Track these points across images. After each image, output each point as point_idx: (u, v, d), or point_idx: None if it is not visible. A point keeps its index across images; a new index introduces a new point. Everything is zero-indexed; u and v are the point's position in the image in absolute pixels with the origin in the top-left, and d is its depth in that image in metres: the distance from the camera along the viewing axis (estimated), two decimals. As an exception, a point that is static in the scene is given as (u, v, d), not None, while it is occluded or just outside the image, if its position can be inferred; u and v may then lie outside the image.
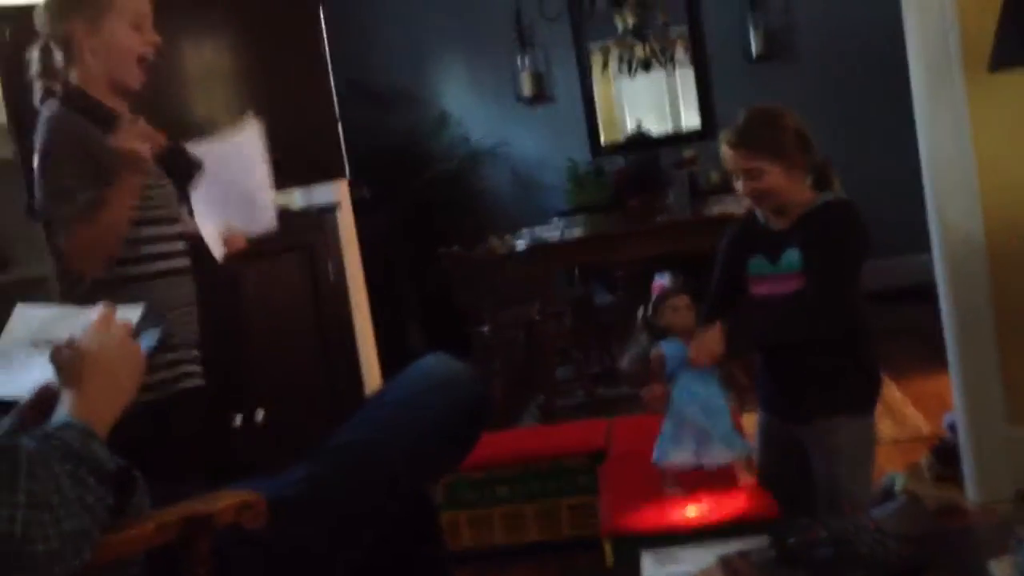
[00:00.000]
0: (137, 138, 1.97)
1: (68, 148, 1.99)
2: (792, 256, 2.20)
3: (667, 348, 2.19)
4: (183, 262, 2.17)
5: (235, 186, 2.23)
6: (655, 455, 2.21)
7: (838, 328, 2.19)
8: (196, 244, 2.22)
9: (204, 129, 2.67)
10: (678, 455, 2.17)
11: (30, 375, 1.50)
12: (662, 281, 2.25)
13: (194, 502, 1.41)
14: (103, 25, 2.06)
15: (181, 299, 2.14)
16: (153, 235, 2.11)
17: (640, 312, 2.27)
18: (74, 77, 2.09)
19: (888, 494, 2.92)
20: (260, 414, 2.39)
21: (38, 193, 2.02)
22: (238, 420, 2.38)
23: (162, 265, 2.11)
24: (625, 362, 2.33)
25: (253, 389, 2.43)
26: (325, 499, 1.65)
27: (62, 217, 1.96)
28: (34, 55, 2.10)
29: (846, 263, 2.19)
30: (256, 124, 2.20)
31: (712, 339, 2.13)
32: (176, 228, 2.18)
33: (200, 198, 2.19)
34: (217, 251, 2.26)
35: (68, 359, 1.41)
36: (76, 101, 2.05)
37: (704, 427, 2.14)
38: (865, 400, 2.29)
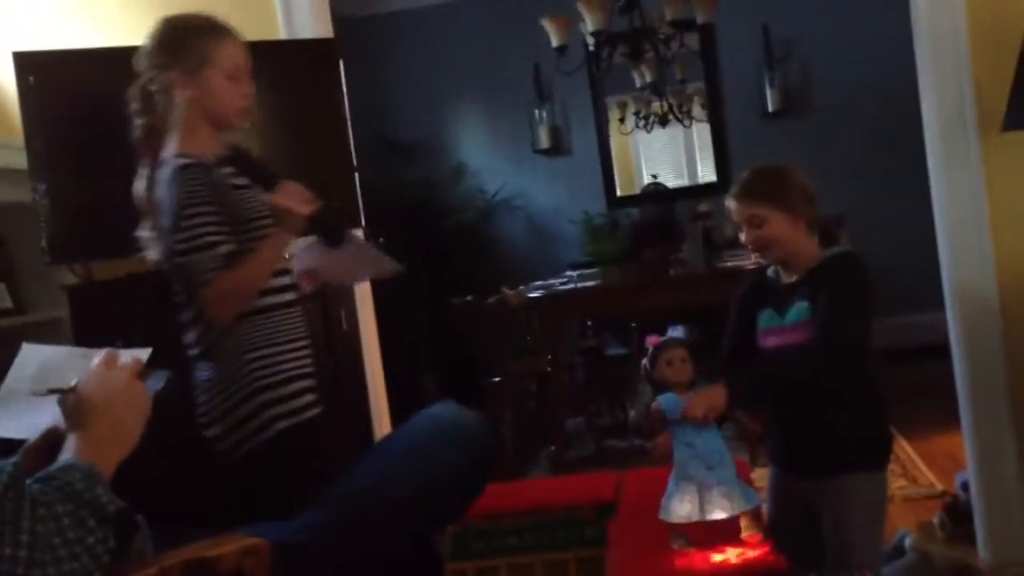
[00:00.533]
0: (298, 199, 2.12)
1: (207, 203, 2.06)
2: (799, 308, 2.21)
3: (665, 402, 2.19)
4: (292, 295, 2.25)
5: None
6: (660, 511, 2.20)
7: (837, 371, 2.18)
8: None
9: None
10: (681, 509, 2.15)
11: (36, 417, 1.51)
12: (656, 336, 2.26)
13: (197, 546, 1.41)
14: (201, 78, 2.16)
15: (302, 331, 2.23)
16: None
17: (642, 365, 2.28)
18: (173, 119, 2.18)
19: (900, 551, 2.90)
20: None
21: (172, 244, 2.08)
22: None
23: (271, 300, 2.18)
24: (632, 415, 2.33)
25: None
26: (330, 547, 1.65)
27: (204, 268, 2.04)
28: (136, 93, 2.20)
29: (849, 306, 2.18)
30: None
31: (714, 393, 2.13)
32: (287, 263, 2.29)
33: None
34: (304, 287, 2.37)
35: (73, 402, 1.42)
36: (241, 161, 2.20)
37: (705, 480, 2.13)
38: (877, 457, 2.27)
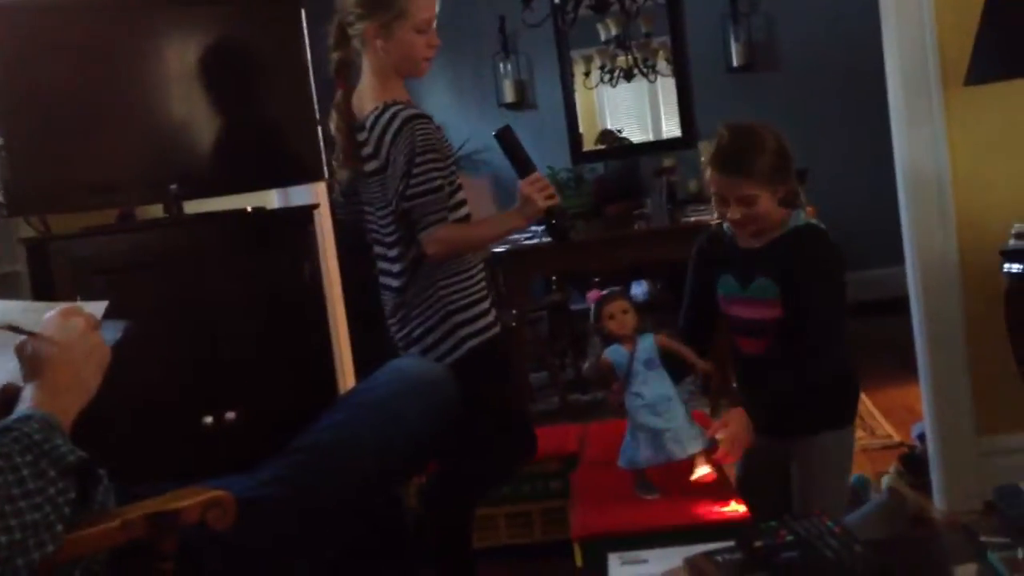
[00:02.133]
0: (540, 191, 2.34)
1: (434, 150, 2.31)
2: (763, 284, 2.20)
3: (612, 354, 2.20)
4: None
5: None
6: (619, 459, 2.23)
7: (840, 363, 2.22)
8: None
9: (183, 129, 2.67)
10: (636, 456, 2.18)
11: None
12: (597, 290, 2.28)
13: (161, 499, 1.41)
14: (394, 30, 2.34)
15: (480, 256, 2.47)
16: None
17: (590, 319, 2.28)
18: (366, 64, 2.41)
19: (854, 493, 2.95)
20: (231, 414, 2.37)
21: (403, 189, 2.32)
22: (209, 419, 2.37)
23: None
24: (585, 368, 2.36)
25: (225, 387, 2.42)
26: (294, 499, 1.65)
27: (431, 211, 2.30)
28: (332, 28, 2.45)
29: (838, 299, 2.20)
30: None
31: (739, 429, 2.09)
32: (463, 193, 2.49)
33: None
34: None
35: (31, 352, 1.40)
36: (511, 146, 2.45)
37: (655, 427, 2.15)
38: (846, 413, 2.32)
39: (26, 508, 1.21)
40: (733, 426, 2.10)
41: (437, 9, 2.42)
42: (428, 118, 2.35)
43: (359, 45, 2.41)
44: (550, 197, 2.35)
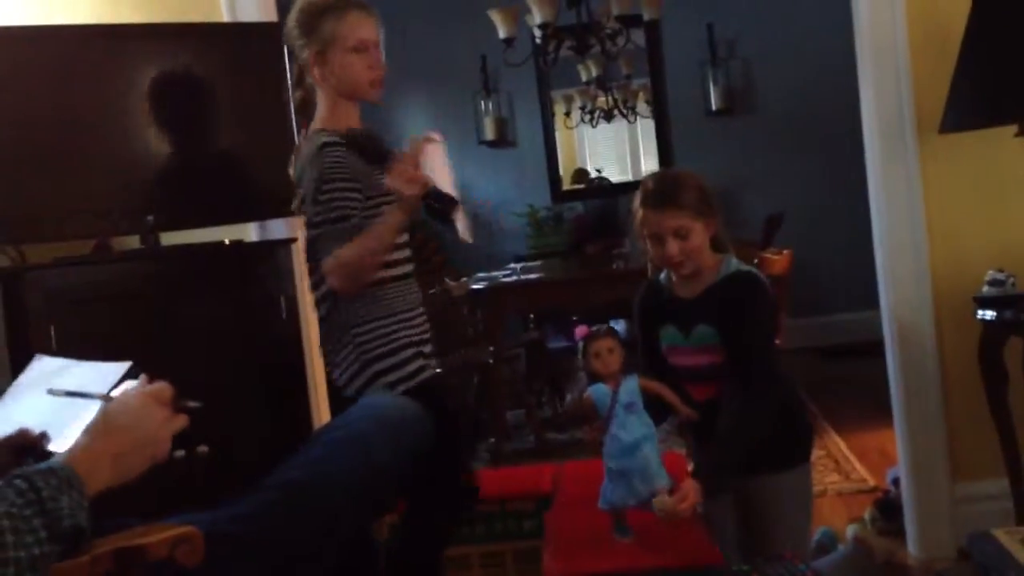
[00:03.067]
0: (407, 180, 2.18)
1: (345, 179, 2.22)
2: (704, 331, 2.22)
3: (594, 393, 2.19)
4: (408, 268, 2.39)
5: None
6: (599, 501, 2.22)
7: (780, 400, 2.21)
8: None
9: (161, 160, 2.66)
10: (612, 497, 2.17)
11: (26, 415, 1.49)
12: (585, 327, 2.25)
13: (129, 534, 1.39)
14: (329, 55, 2.30)
15: (413, 302, 2.38)
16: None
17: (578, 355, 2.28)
18: (319, 96, 2.37)
19: (822, 548, 2.94)
20: (204, 448, 2.35)
21: (310, 216, 2.27)
22: (181, 453, 2.34)
23: (394, 271, 2.33)
24: (566, 403, 2.35)
25: (198, 421, 2.40)
26: (264, 536, 1.63)
27: (332, 240, 2.20)
28: (295, 67, 2.42)
29: (770, 341, 2.27)
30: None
31: (689, 493, 2.06)
32: (404, 237, 2.38)
33: None
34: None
35: (101, 410, 1.43)
36: (356, 142, 2.29)
37: (626, 469, 2.14)
38: (797, 453, 2.32)
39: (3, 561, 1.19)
40: (687, 493, 2.07)
41: (377, 34, 2.38)
42: (342, 145, 2.26)
43: (310, 78, 2.38)
44: (417, 182, 2.20)
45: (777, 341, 2.37)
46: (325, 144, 2.24)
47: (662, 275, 2.34)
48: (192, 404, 1.54)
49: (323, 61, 2.31)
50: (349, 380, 2.30)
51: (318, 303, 2.36)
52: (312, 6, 2.33)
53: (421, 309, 2.40)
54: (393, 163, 2.22)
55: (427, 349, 2.38)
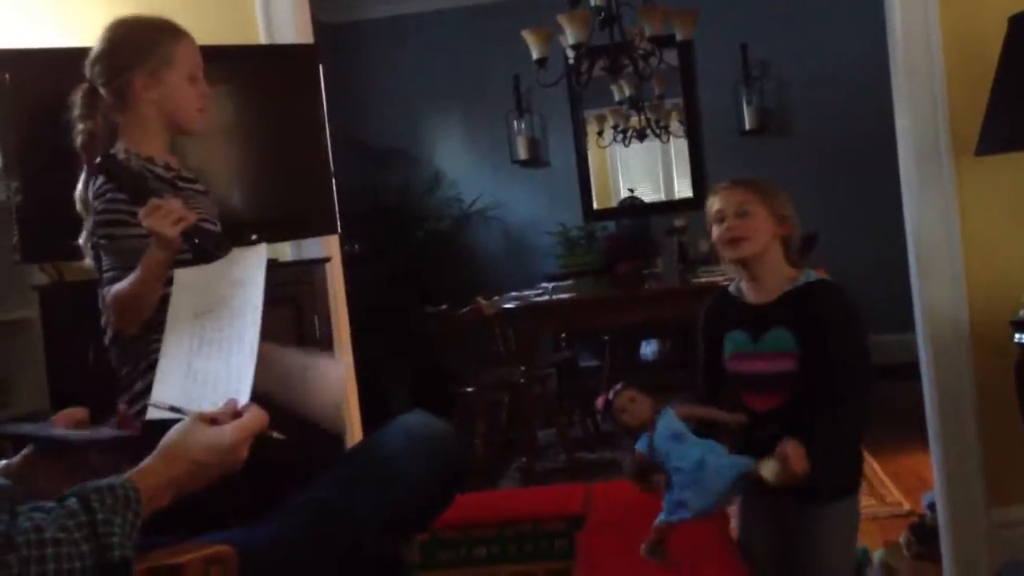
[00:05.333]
0: (165, 219, 1.96)
1: (113, 216, 2.06)
2: (780, 335, 2.15)
3: (640, 446, 2.14)
4: None
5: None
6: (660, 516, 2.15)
7: (862, 417, 2.19)
8: None
9: (198, 179, 2.69)
10: (679, 500, 2.10)
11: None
12: (601, 397, 2.20)
13: (161, 553, 1.40)
14: (163, 78, 2.14)
15: None
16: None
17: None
18: (125, 122, 2.15)
19: (859, 571, 2.91)
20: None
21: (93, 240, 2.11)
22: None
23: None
24: (624, 471, 2.27)
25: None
26: (296, 556, 1.64)
27: (103, 278, 2.07)
28: (77, 98, 2.16)
29: (863, 351, 2.18)
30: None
31: (796, 454, 1.97)
32: None
33: None
34: None
35: (180, 429, 1.45)
36: (119, 175, 2.06)
37: (695, 482, 2.08)
38: (853, 479, 2.26)
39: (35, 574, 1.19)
40: (793, 456, 1.97)
41: (200, 61, 2.21)
42: (120, 192, 2.04)
43: (116, 105, 2.15)
44: (178, 221, 1.98)
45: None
46: (98, 186, 2.06)
47: (732, 286, 2.30)
48: (277, 435, 1.56)
49: (156, 83, 2.13)
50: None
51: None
52: (143, 25, 2.17)
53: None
54: (152, 201, 1.99)
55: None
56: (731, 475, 2.06)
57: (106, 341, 2.16)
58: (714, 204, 2.23)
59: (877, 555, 3.06)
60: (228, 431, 1.47)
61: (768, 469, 1.97)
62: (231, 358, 1.74)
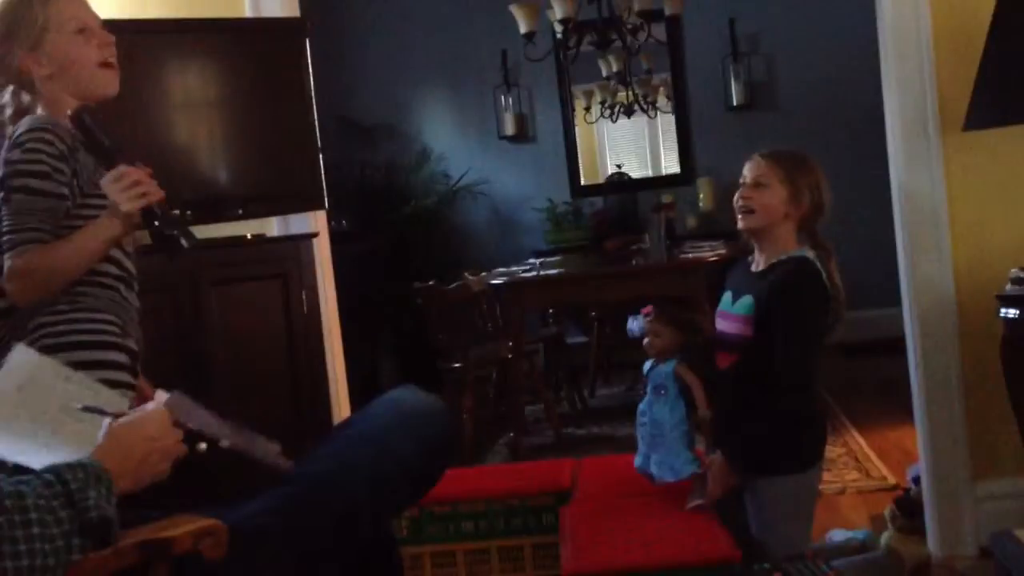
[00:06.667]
0: (127, 189, 1.80)
1: (33, 164, 1.82)
2: (746, 301, 2.27)
3: (644, 367, 2.41)
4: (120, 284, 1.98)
5: None
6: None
7: (804, 402, 2.28)
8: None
9: (184, 155, 2.68)
10: (643, 466, 2.37)
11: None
12: (645, 308, 2.42)
13: (153, 527, 1.40)
14: (47, 46, 1.91)
15: (126, 316, 1.97)
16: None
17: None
18: (35, 103, 1.94)
19: (865, 550, 2.92)
20: (227, 442, 2.36)
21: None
22: (203, 446, 2.36)
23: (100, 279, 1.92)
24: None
25: (219, 414, 2.42)
26: (286, 530, 1.64)
27: (13, 238, 1.81)
28: (5, 98, 1.97)
29: (807, 335, 2.27)
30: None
31: (720, 473, 2.24)
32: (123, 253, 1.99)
33: None
34: None
35: (108, 428, 1.44)
36: (90, 131, 1.88)
37: (646, 450, 2.36)
38: (806, 456, 2.32)
39: (24, 552, 1.20)
40: (716, 475, 2.24)
41: (95, 15, 1.99)
42: (61, 130, 1.87)
43: (31, 95, 1.95)
44: (142, 195, 1.80)
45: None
46: (35, 128, 1.84)
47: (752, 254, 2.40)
48: (201, 447, 1.56)
49: (42, 54, 1.91)
50: None
51: None
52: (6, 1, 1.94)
53: (120, 318, 1.92)
54: (120, 165, 1.82)
55: (123, 358, 1.91)
56: (675, 473, 2.31)
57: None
58: (744, 170, 2.34)
59: (884, 536, 3.06)
60: (150, 405, 1.52)
61: (698, 485, 2.27)
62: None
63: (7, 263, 1.80)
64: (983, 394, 2.93)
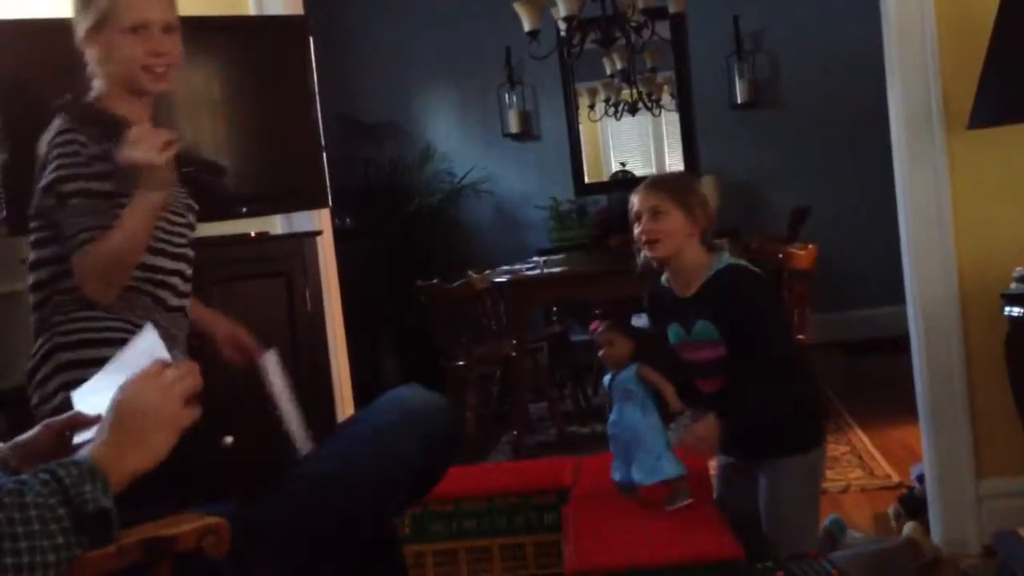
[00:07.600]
0: (147, 145, 1.82)
1: (77, 167, 1.88)
2: (704, 326, 2.30)
3: (605, 382, 2.45)
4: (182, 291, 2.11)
5: None
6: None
7: (796, 389, 2.33)
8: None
9: (187, 151, 2.68)
10: (615, 475, 2.41)
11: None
12: (595, 322, 2.47)
13: (157, 524, 1.40)
14: (103, 35, 1.96)
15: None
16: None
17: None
18: (95, 87, 2.01)
19: (831, 537, 2.92)
20: (228, 439, 2.36)
21: (45, 210, 1.93)
22: (228, 439, 2.36)
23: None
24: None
25: (223, 412, 2.41)
26: (289, 528, 1.64)
27: (74, 240, 1.86)
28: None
29: (777, 327, 2.37)
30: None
31: (706, 432, 2.24)
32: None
33: None
34: None
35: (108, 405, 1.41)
36: (83, 114, 1.93)
37: (622, 456, 2.38)
38: (808, 438, 2.37)
39: (25, 549, 1.20)
40: (700, 430, 2.25)
41: (167, 17, 2.01)
42: (86, 130, 1.91)
43: (89, 71, 2.02)
44: (168, 144, 1.83)
45: (801, 336, 2.43)
46: (66, 130, 1.90)
47: (663, 278, 2.42)
48: (228, 440, 1.55)
49: (97, 40, 1.97)
50: (33, 369, 1.96)
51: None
52: None
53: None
54: (129, 132, 1.83)
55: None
56: (662, 474, 2.30)
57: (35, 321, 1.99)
58: (633, 204, 2.36)
59: (907, 528, 3.05)
60: (146, 377, 1.43)
61: (677, 436, 2.30)
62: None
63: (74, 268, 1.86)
64: (987, 392, 2.93)
